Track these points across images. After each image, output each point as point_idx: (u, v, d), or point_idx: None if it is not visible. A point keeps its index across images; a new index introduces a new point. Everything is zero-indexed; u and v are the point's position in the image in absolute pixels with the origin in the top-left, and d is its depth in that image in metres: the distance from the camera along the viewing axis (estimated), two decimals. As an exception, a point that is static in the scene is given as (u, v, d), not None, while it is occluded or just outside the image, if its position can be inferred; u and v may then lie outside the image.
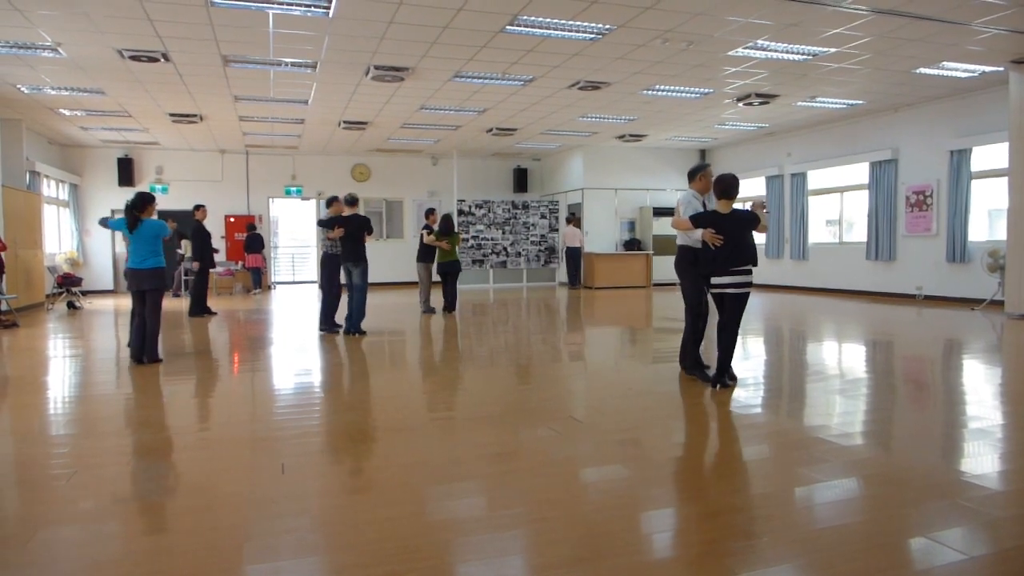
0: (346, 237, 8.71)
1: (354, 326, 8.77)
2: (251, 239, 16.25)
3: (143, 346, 6.77)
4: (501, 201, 18.17)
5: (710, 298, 5.63)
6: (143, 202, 6.87)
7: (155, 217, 7.02)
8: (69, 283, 13.16)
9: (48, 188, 14.85)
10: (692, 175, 5.78)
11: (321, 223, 9.04)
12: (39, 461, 3.92)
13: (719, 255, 5.23)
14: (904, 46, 8.83)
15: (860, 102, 12.30)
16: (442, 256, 11.54)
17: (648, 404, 5.17)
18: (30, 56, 8.89)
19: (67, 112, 12.45)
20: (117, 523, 3.01)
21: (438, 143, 16.54)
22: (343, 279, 9.01)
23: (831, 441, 4.04)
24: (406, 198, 18.84)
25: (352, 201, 8.97)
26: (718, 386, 5.34)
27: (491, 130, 14.80)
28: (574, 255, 17.21)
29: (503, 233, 17.89)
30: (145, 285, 6.80)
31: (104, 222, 7.58)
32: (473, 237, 17.56)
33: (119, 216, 7.28)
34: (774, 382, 5.89)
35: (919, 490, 3.26)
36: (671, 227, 5.77)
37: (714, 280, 5.33)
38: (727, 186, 5.26)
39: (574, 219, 17.35)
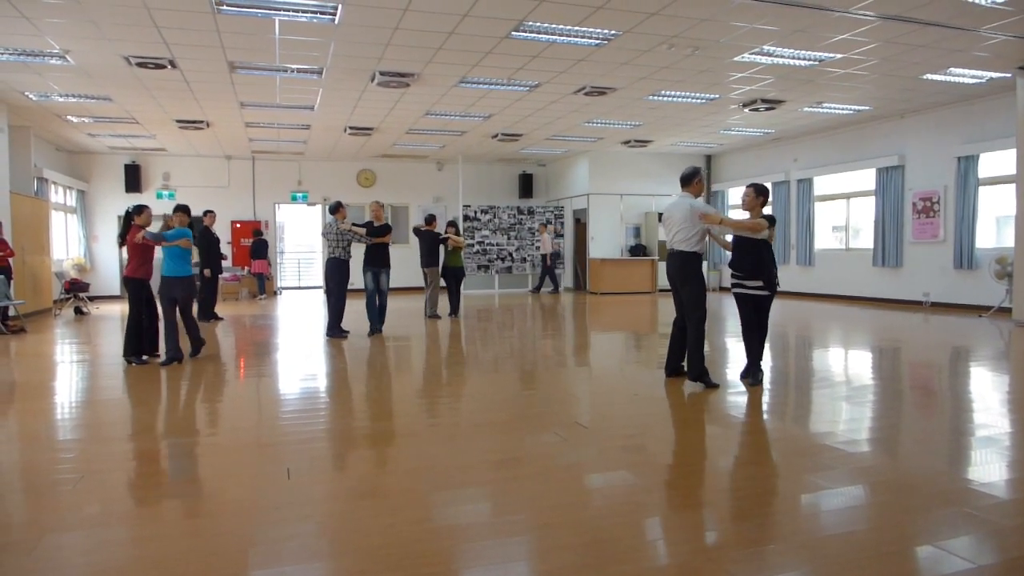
0: (381, 243, 9.34)
1: (380, 326, 9.40)
2: (256, 244, 16.34)
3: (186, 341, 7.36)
4: (506, 207, 18.19)
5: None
6: (186, 212, 7.58)
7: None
8: (76, 289, 13.23)
9: (56, 194, 14.94)
10: (689, 179, 5.77)
11: (374, 230, 9.26)
12: (45, 466, 3.94)
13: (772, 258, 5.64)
14: (911, 52, 8.82)
15: (867, 108, 12.28)
16: (450, 260, 11.59)
17: (653, 410, 5.16)
18: (38, 64, 8.96)
19: (74, 119, 12.54)
20: (122, 529, 3.02)
21: (443, 148, 16.59)
22: (362, 283, 9.50)
23: (837, 448, 4.03)
24: (411, 204, 18.89)
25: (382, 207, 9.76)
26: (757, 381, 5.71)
27: (496, 135, 14.83)
28: (545, 261, 17.30)
29: (508, 238, 17.90)
30: (179, 291, 7.31)
31: (158, 237, 7.32)
32: (478, 242, 17.59)
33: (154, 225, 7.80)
34: (780, 388, 5.87)
35: (926, 498, 3.25)
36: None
37: (753, 282, 5.66)
38: (767, 194, 5.76)
39: (545, 226, 17.48)
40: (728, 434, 4.58)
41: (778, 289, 5.73)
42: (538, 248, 17.95)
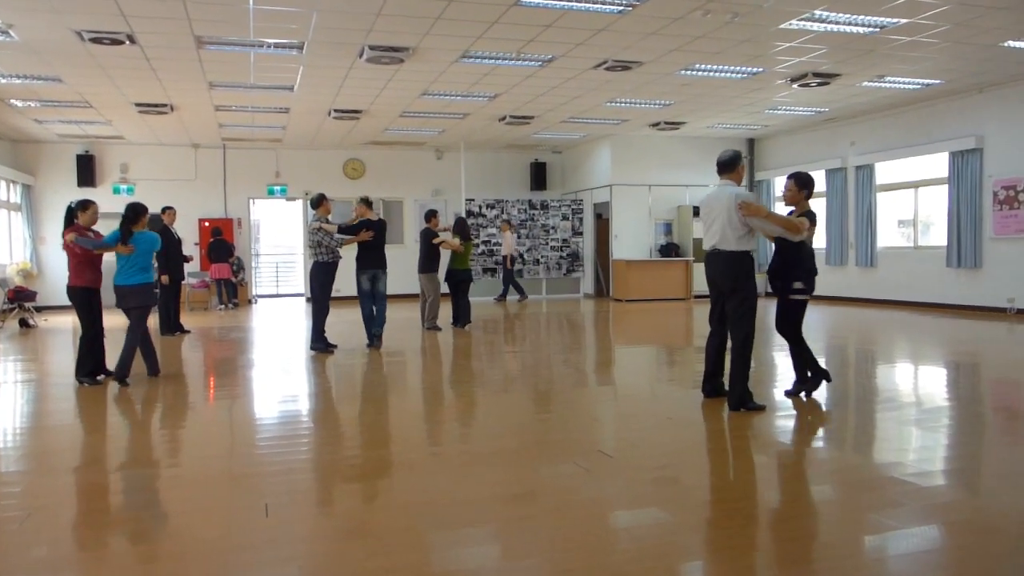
0: (373, 243, 9.34)
1: (378, 337, 9.44)
2: (216, 246, 16.26)
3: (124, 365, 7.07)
4: (516, 200, 18.19)
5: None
6: (137, 214, 7.27)
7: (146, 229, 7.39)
8: (21, 298, 13.33)
9: (-2, 189, 15.11)
10: (732, 164, 5.71)
11: (345, 229, 9.30)
12: (-14, 502, 3.97)
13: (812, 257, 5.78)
14: (989, 15, 8.77)
15: (937, 82, 12.23)
16: (455, 263, 11.60)
17: (689, 436, 5.15)
18: (-22, 39, 9.07)
19: (19, 103, 12.67)
20: (76, 574, 3.03)
21: (443, 134, 16.65)
22: (356, 288, 9.52)
23: (907, 481, 4.00)
24: (407, 198, 18.94)
25: (371, 203, 9.75)
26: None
27: (504, 118, 14.87)
28: (505, 263, 17.15)
29: (519, 237, 17.90)
30: (131, 303, 7.17)
31: (98, 245, 7.32)
32: (484, 242, 17.61)
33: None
34: (838, 411, 5.84)
35: (1014, 540, 3.22)
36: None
37: (800, 285, 5.75)
38: (812, 185, 5.97)
39: (508, 224, 17.32)
40: (777, 464, 4.55)
41: (812, 294, 5.86)
42: (571, 246, 18.11)
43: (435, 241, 11.35)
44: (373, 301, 9.46)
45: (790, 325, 5.87)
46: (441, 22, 8.79)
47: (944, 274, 13.75)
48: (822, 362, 8.09)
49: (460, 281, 11.70)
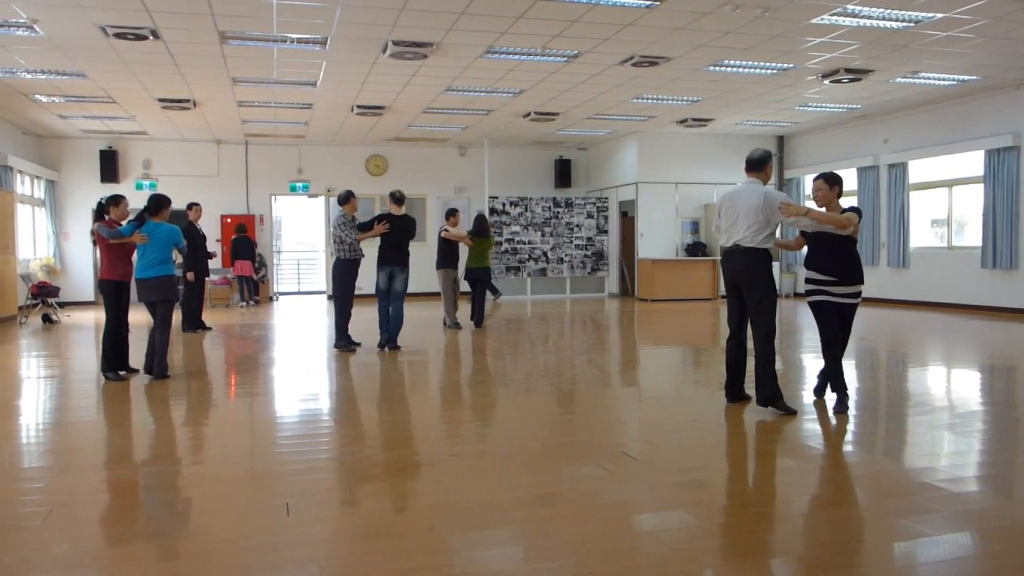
0: (392, 238, 9.23)
1: (393, 340, 9.28)
2: (240, 243, 16.39)
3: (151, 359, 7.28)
4: (540, 198, 18.18)
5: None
6: (159, 205, 7.42)
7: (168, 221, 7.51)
8: (45, 293, 13.54)
9: (22, 185, 15.34)
10: (761, 164, 5.73)
11: (362, 225, 9.23)
12: (9, 498, 4.02)
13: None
14: (1027, 10, 8.65)
15: (974, 78, 12.07)
16: (473, 261, 11.61)
17: (715, 439, 5.13)
18: (2, 35, 9.22)
19: (44, 98, 12.88)
20: (96, 571, 3.08)
21: (466, 130, 16.69)
22: (373, 286, 9.49)
23: (939, 487, 3.96)
24: (429, 195, 19.00)
25: (401, 200, 9.56)
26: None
27: (529, 115, 14.88)
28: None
29: (543, 236, 17.90)
30: (153, 296, 7.29)
31: (112, 234, 7.42)
32: (507, 240, 17.62)
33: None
34: (868, 414, 5.78)
35: (1049, 548, 3.18)
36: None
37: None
38: (841, 182, 5.91)
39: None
40: (805, 469, 4.52)
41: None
42: (596, 244, 18.12)
43: (442, 234, 11.33)
44: (389, 300, 9.31)
45: (847, 329, 5.73)
46: (465, 17, 8.81)
47: (979, 275, 13.58)
48: (850, 366, 8.03)
49: (476, 280, 11.70)
